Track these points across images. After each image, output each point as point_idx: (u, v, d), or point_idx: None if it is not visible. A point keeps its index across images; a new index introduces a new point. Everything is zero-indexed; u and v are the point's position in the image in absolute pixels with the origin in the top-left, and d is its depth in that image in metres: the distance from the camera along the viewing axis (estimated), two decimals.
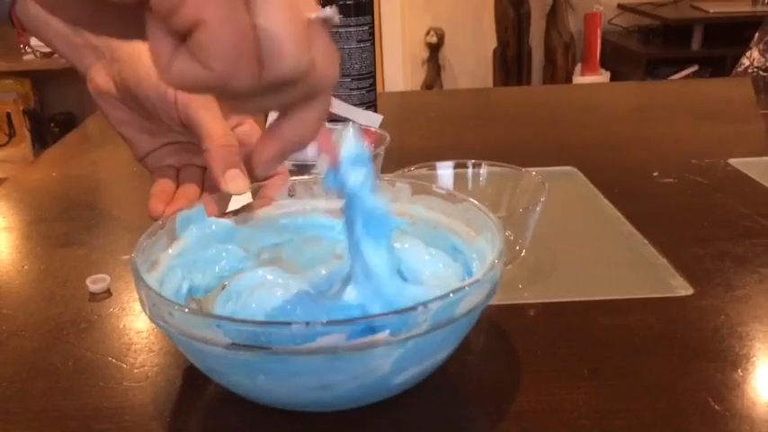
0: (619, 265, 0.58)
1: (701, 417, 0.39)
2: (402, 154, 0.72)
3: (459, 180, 0.62)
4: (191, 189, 0.51)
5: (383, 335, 0.33)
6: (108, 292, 0.54)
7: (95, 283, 0.54)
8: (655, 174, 0.78)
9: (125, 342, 0.48)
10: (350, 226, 0.39)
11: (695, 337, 0.47)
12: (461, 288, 0.35)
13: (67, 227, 0.68)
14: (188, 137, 0.49)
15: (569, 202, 0.70)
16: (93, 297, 0.54)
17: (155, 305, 0.36)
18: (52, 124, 2.77)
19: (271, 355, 0.33)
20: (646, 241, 0.61)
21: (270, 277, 0.44)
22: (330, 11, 0.27)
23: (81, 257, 0.61)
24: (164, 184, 0.51)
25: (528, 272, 0.56)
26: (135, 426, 0.40)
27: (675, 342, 0.46)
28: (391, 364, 0.35)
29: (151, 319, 0.37)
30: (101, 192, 0.80)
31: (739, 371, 0.43)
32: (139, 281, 0.37)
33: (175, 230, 0.45)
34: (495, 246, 0.41)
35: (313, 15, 0.26)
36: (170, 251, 0.44)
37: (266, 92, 0.26)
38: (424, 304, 0.34)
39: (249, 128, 0.51)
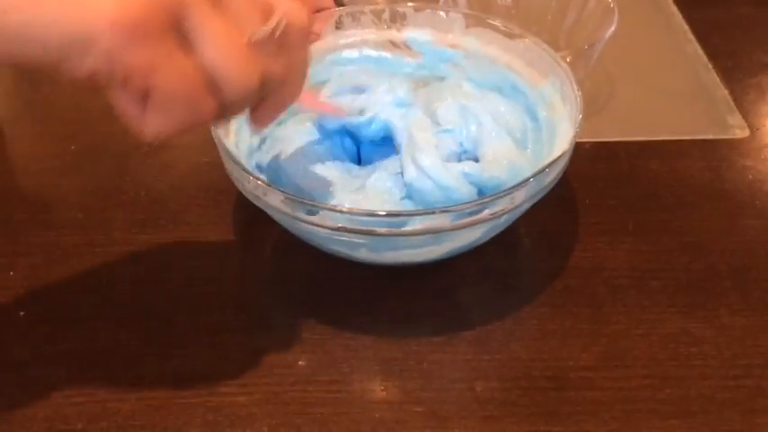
0: (677, 95, 0.56)
1: (734, 281, 0.42)
2: None
3: None
4: None
5: (485, 214, 0.35)
6: None
7: None
8: None
9: (192, 171, 0.50)
10: None
11: (742, 189, 0.48)
12: (554, 162, 0.37)
13: None
14: None
15: (635, 10, 0.65)
16: None
17: (250, 184, 0.37)
18: None
19: (377, 236, 0.35)
20: (710, 65, 0.58)
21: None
22: (264, 29, 0.28)
23: None
24: None
25: (584, 100, 0.55)
26: (209, 261, 0.44)
27: (722, 195, 0.47)
28: (482, 234, 0.38)
29: (248, 198, 0.38)
30: None
31: None
32: (229, 161, 0.38)
33: None
34: (566, 99, 0.42)
35: (253, 38, 0.28)
36: None
37: (232, 106, 0.29)
38: (517, 186, 0.36)
39: None
